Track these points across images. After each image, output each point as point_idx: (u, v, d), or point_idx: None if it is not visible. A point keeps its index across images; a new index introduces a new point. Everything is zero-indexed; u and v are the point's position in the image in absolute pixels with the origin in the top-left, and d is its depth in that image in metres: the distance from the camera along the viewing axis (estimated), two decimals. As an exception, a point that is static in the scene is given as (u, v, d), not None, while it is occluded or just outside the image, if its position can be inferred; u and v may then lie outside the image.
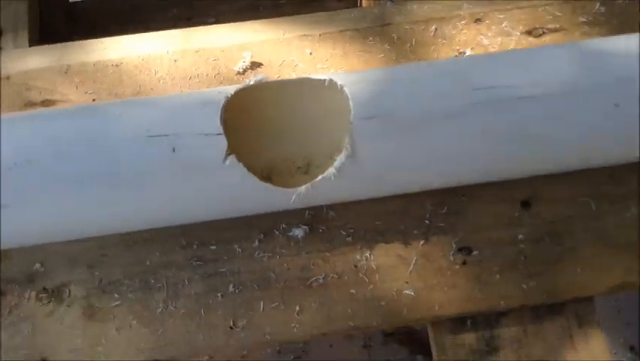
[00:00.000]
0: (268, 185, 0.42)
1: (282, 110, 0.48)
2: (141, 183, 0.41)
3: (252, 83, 0.44)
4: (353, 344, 0.87)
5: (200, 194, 0.42)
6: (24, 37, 0.55)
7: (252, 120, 0.48)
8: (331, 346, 0.87)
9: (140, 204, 0.41)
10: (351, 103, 0.42)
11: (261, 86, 0.45)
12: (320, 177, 0.42)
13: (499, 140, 0.43)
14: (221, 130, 0.41)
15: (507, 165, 0.46)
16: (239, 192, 0.42)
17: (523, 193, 0.49)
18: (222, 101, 0.42)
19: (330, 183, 0.42)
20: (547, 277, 0.47)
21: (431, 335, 0.48)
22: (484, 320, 0.47)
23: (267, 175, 0.48)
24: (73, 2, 0.68)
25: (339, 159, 0.42)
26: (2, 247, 0.42)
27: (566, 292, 0.47)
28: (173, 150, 0.41)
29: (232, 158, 0.41)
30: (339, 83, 0.43)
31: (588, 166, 0.48)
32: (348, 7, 0.61)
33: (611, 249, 0.47)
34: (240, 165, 0.41)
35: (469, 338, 0.47)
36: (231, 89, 0.43)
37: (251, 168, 0.41)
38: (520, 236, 0.48)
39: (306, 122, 0.49)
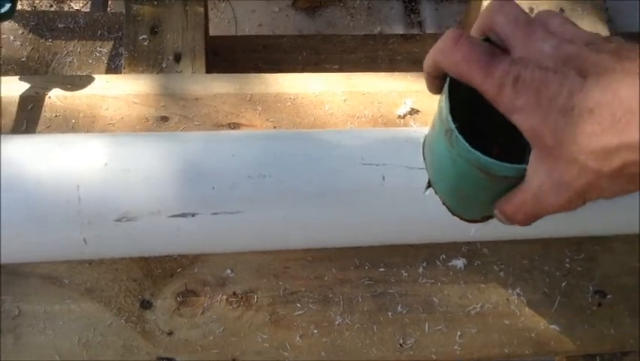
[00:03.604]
0: (455, 218, 0.48)
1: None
2: (353, 203, 0.46)
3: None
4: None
5: (401, 218, 0.47)
6: (201, 62, 0.60)
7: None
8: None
9: (349, 222, 0.46)
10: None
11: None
12: (499, 215, 0.48)
13: None
14: (424, 165, 0.46)
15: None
16: (433, 220, 0.47)
17: (644, 248, 0.56)
18: (422, 139, 0.47)
19: (507, 221, 0.48)
20: (668, 324, 0.53)
21: (564, 368, 0.53)
22: (609, 357, 0.53)
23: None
24: (214, 36, 0.74)
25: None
26: (239, 249, 0.46)
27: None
28: (383, 178, 0.46)
29: (430, 190, 0.46)
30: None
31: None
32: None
33: None
34: (437, 196, 0.47)
35: (598, 373, 0.53)
36: (425, 130, 0.49)
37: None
38: (644, 285, 0.54)
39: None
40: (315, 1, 1.46)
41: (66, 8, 1.45)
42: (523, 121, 0.33)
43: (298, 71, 0.74)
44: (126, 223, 0.44)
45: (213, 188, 0.44)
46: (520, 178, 0.37)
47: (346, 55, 0.76)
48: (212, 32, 1.42)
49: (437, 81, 0.39)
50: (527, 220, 0.38)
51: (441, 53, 0.36)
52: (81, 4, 1.45)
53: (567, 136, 0.31)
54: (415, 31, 1.47)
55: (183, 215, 0.44)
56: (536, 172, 0.34)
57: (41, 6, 1.45)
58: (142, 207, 0.44)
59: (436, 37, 0.85)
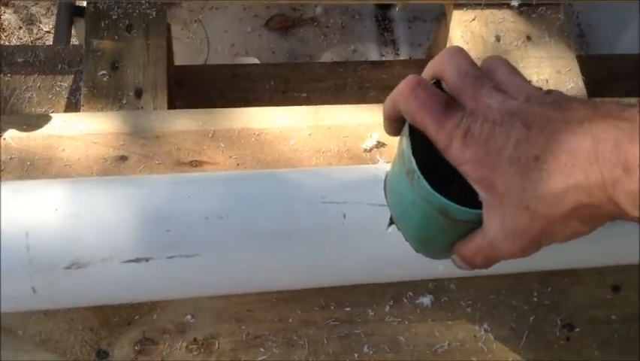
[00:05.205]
0: (419, 254, 0.47)
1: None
2: (314, 242, 0.45)
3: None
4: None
5: (363, 256, 0.46)
6: (163, 98, 0.59)
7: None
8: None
9: (310, 262, 0.45)
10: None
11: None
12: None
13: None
14: (385, 201, 0.46)
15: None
16: (396, 257, 0.46)
17: (613, 279, 0.56)
18: (384, 177, 0.47)
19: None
20: (637, 356, 0.53)
21: (534, 404, 0.53)
22: (581, 393, 0.53)
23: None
24: (179, 66, 0.73)
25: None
26: (197, 294, 0.45)
27: (657, 371, 0.52)
28: (344, 215, 0.45)
29: (393, 226, 0.46)
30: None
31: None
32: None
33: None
34: (400, 232, 0.46)
35: (568, 408, 0.52)
36: (386, 167, 0.48)
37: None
38: (613, 316, 0.54)
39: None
40: (287, 21, 1.46)
41: (35, 30, 1.43)
42: (473, 172, 0.33)
43: (266, 99, 0.73)
44: (77, 271, 0.42)
45: (168, 230, 0.43)
46: (479, 223, 0.37)
47: (315, 83, 0.76)
48: (183, 52, 1.40)
49: (396, 124, 0.39)
50: (485, 265, 0.38)
51: (399, 97, 0.36)
52: (50, 26, 1.43)
53: (516, 184, 0.32)
54: (389, 49, 1.47)
55: (137, 260, 0.43)
56: (491, 219, 0.35)
57: (10, 28, 1.43)
58: (93, 254, 0.42)
59: (405, 63, 0.85)
